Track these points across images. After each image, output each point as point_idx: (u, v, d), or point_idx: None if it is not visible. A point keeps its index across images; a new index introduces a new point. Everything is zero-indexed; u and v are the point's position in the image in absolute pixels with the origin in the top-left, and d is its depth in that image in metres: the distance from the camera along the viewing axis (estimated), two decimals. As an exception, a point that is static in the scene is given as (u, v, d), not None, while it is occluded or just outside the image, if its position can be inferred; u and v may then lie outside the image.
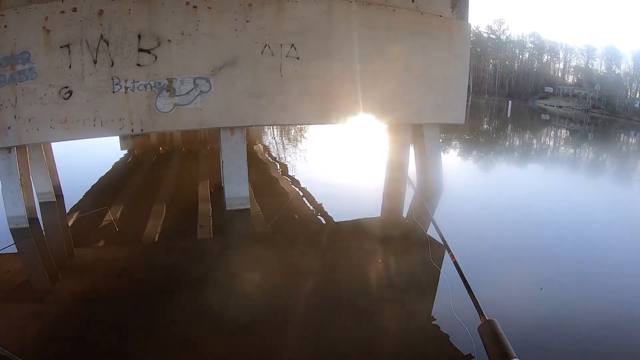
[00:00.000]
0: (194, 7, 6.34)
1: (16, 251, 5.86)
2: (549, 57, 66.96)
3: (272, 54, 6.83)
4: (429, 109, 8.36)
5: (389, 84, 7.72)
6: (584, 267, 5.68)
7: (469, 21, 8.66)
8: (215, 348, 3.74)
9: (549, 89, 61.01)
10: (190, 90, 6.57)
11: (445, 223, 7.38)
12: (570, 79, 64.50)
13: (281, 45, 6.85)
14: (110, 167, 10.68)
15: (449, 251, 3.66)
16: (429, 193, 8.73)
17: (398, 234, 6.89)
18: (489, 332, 2.57)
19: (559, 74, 65.85)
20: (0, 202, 6.40)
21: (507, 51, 67.78)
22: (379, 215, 7.91)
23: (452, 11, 8.24)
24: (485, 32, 68.06)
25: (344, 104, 7.46)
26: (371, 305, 4.53)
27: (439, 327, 3.99)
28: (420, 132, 8.81)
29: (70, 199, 7.87)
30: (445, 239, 4.31)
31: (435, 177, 9.01)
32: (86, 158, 11.12)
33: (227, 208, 7.16)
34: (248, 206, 7.26)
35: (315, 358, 3.68)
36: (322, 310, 4.39)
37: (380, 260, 5.81)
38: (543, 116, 42.09)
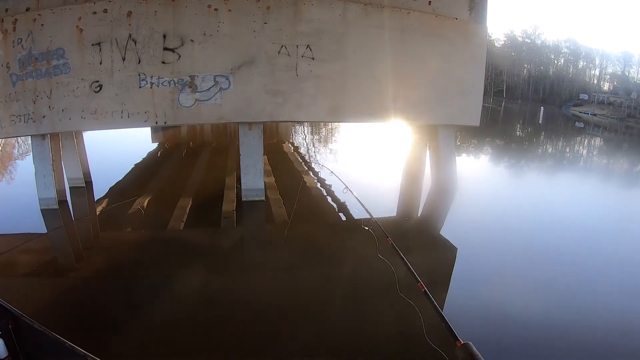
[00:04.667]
0: (215, 9, 6.75)
1: (46, 230, 6.36)
2: (585, 63, 64.84)
3: (289, 54, 7.16)
4: (443, 110, 8.48)
5: (403, 85, 7.89)
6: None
7: (487, 24, 8.71)
8: (226, 332, 3.95)
9: (584, 96, 59.10)
10: (211, 87, 6.98)
11: (457, 225, 7.46)
12: (606, 86, 62.39)
13: (297, 46, 7.17)
14: (141, 159, 11.20)
15: (418, 281, 3.53)
16: (443, 194, 8.82)
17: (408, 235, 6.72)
18: (466, 356, 2.64)
19: (595, 81, 63.69)
20: (32, 186, 6.96)
21: (542, 56, 66.10)
22: (395, 214, 7.90)
23: (470, 14, 8.32)
24: (520, 36, 66.93)
25: (358, 103, 7.71)
26: (356, 316, 4.37)
27: (414, 350, 3.75)
28: (435, 133, 8.94)
29: (100, 186, 8.39)
30: (413, 269, 3.95)
31: (450, 178, 9.11)
32: (119, 149, 11.77)
33: (243, 199, 7.53)
34: (263, 198, 7.62)
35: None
36: (293, 314, 4.38)
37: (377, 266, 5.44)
38: (577, 124, 40.70)
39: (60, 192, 7.18)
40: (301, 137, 17.29)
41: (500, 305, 4.57)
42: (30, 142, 7.20)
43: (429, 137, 9.25)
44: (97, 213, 7.12)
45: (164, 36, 6.72)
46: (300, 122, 18.46)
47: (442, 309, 3.07)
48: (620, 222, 8.17)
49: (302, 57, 7.23)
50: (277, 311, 4.35)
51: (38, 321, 2.08)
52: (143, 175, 9.82)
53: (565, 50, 65.79)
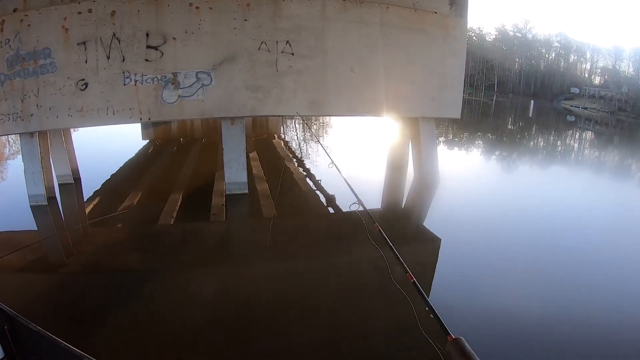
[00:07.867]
0: (197, 7, 6.94)
1: (35, 227, 6.53)
2: (576, 57, 65.18)
3: (269, 50, 7.35)
4: (424, 103, 8.66)
5: (383, 79, 8.06)
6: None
7: (467, 18, 8.86)
8: (212, 325, 4.01)
9: (575, 90, 59.34)
10: (193, 84, 7.17)
11: (441, 216, 7.58)
12: (597, 80, 62.58)
13: (277, 42, 7.36)
14: (132, 156, 11.35)
15: (407, 271, 3.52)
16: (425, 186, 8.96)
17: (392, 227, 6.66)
18: (457, 351, 2.55)
19: (586, 75, 63.96)
20: (21, 184, 7.13)
21: (533, 50, 66.36)
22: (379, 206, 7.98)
23: (450, 8, 8.47)
24: (511, 31, 67.01)
25: (337, 97, 7.90)
26: (343, 309, 4.38)
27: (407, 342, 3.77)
28: (417, 126, 9.09)
29: (89, 183, 8.52)
30: (402, 258, 3.99)
31: (432, 170, 9.26)
32: (110, 147, 11.89)
33: (227, 193, 7.72)
34: (246, 191, 7.79)
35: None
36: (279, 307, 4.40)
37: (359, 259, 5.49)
38: (568, 117, 40.75)
39: (50, 189, 7.34)
40: (292, 132, 17.41)
41: (485, 295, 4.65)
42: (19, 140, 7.35)
43: (411, 129, 9.40)
44: (87, 209, 7.25)
45: (147, 34, 6.91)
46: (291, 117, 18.65)
47: (429, 300, 3.10)
48: (608, 215, 8.24)
49: (282, 52, 7.42)
50: (268, 303, 4.42)
51: (32, 321, 2.02)
52: (134, 171, 9.97)
53: (557, 44, 65.99)
